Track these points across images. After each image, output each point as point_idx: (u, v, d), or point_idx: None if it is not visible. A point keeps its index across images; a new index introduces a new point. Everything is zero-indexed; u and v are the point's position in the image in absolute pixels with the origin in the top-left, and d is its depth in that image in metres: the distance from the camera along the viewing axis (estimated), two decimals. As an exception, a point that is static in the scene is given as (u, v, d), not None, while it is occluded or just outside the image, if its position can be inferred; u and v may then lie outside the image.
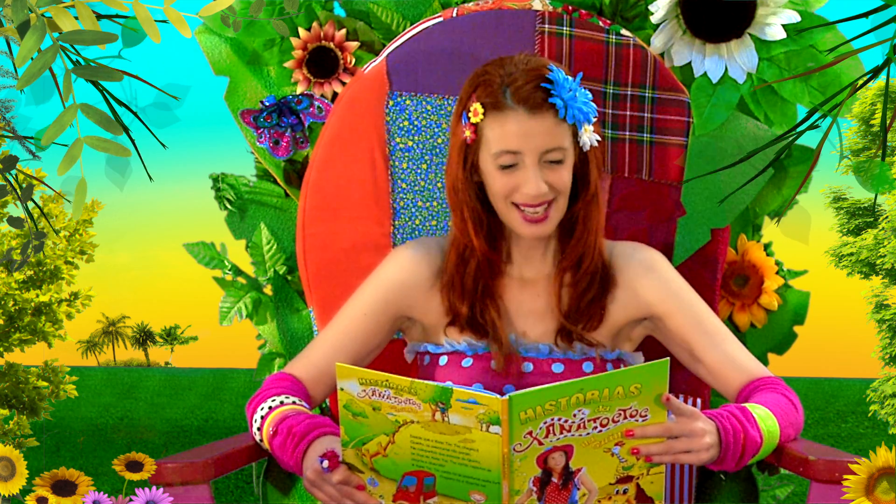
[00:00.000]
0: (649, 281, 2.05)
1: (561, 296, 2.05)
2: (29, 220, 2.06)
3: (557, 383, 1.71)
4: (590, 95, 1.98)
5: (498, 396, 1.69)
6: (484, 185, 2.02)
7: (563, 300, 2.05)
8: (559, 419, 1.72)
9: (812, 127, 2.23)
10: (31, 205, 2.08)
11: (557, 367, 2.03)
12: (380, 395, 1.72)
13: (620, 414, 1.74)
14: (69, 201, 1.92)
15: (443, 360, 2.06)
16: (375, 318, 2.07)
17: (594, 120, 1.99)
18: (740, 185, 2.30)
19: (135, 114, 2.08)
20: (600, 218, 2.04)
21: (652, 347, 2.11)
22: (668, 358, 1.74)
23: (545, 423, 1.71)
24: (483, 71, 2.00)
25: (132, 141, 2.07)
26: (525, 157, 1.96)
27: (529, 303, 2.06)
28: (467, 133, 2.00)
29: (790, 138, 2.26)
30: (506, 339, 2.02)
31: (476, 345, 2.04)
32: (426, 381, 1.71)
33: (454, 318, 2.05)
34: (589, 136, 1.99)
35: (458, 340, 2.05)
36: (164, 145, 2.09)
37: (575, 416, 1.72)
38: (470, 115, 1.99)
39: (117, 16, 2.02)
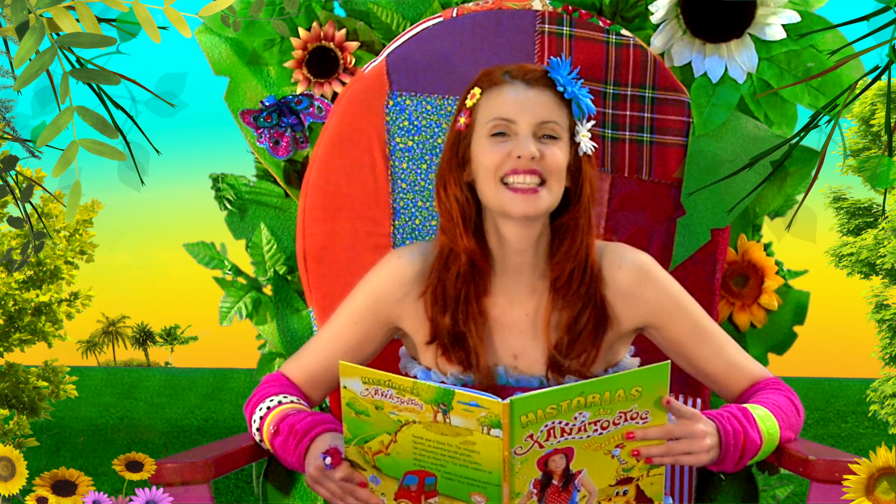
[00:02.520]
0: (648, 289, 1.98)
1: (551, 320, 1.97)
2: (33, 215, 2.06)
3: (558, 387, 1.71)
4: (590, 96, 1.95)
5: (499, 400, 1.68)
6: (473, 185, 1.96)
7: (553, 328, 1.97)
8: (560, 422, 1.71)
9: (814, 127, 2.23)
10: (33, 202, 2.07)
11: None
12: (382, 395, 1.72)
13: (621, 416, 1.74)
14: (65, 206, 1.92)
15: None
16: (366, 327, 2.02)
17: (592, 122, 1.95)
18: (741, 186, 2.30)
19: (132, 118, 2.07)
20: (590, 234, 1.97)
21: (650, 351, 2.10)
22: (669, 361, 1.73)
23: (546, 426, 1.71)
24: (484, 70, 1.98)
25: (128, 144, 2.05)
26: (519, 127, 1.91)
27: (519, 326, 1.99)
28: (461, 120, 1.95)
29: (793, 142, 2.26)
30: (486, 369, 1.96)
31: (463, 379, 1.97)
32: (428, 383, 1.71)
33: (436, 336, 1.97)
34: (585, 140, 1.94)
35: (445, 372, 1.99)
36: (158, 151, 2.08)
37: (576, 419, 1.72)
38: (467, 100, 1.95)
39: (116, 20, 2.02)
